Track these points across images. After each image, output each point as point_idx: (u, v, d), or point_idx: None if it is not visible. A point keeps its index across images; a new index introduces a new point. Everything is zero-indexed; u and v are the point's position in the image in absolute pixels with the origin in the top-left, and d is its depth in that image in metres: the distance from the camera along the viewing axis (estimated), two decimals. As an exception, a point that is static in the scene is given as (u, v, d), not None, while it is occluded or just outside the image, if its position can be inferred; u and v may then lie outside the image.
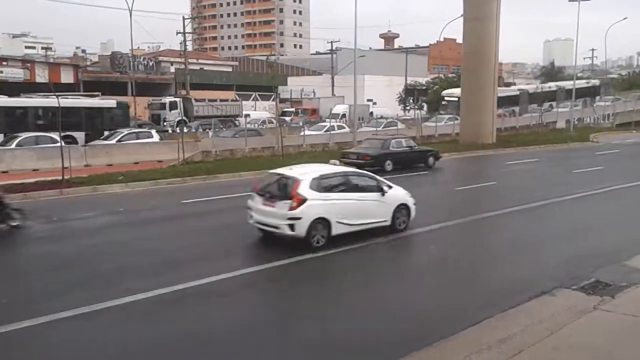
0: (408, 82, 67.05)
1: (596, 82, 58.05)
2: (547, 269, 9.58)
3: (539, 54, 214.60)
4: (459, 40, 41.46)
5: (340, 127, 35.45)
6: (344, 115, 49.49)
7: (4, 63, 44.91)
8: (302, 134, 32.27)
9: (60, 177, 17.86)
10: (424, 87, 63.54)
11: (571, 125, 42.38)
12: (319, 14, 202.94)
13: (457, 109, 38.61)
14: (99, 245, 11.27)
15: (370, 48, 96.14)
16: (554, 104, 50.44)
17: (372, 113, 56.67)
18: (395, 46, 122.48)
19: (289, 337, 6.96)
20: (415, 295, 8.54)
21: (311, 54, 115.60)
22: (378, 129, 35.24)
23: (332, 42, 70.43)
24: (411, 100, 60.43)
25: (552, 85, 54.18)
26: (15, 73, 43.67)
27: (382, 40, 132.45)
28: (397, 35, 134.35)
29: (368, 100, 63.18)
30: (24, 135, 23.98)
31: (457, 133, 35.68)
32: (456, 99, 40.52)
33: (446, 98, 47.03)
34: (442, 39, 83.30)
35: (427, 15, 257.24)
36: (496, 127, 34.34)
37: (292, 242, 10.44)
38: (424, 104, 58.29)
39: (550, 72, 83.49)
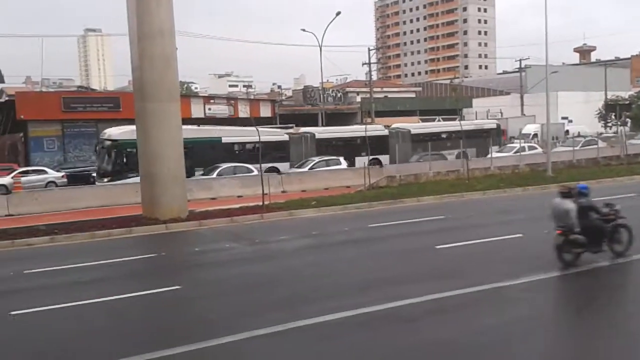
0: (608, 97, 61.39)
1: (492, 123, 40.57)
2: None
3: None
4: (669, 47, 36.82)
5: (531, 148, 33.62)
6: (535, 135, 47.05)
7: (212, 101, 50.50)
8: (489, 156, 31.24)
9: (260, 203, 19.47)
10: (627, 102, 57.63)
11: None
12: (505, 32, 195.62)
13: (121, 156, 25.73)
14: (295, 266, 12.03)
15: (563, 63, 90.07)
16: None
17: (567, 131, 53.00)
18: (592, 60, 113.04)
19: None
20: None
21: (498, 74, 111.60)
22: (575, 148, 32.78)
23: (520, 59, 67.36)
24: (612, 117, 55.22)
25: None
26: (221, 109, 48.87)
27: (577, 55, 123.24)
28: (593, 48, 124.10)
29: (562, 118, 59.16)
30: (224, 165, 26.72)
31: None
32: (116, 140, 26.30)
33: (106, 141, 27.25)
34: (647, 48, 74.92)
35: (625, 25, 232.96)
36: None
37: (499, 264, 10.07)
38: (627, 119, 52.87)
39: None
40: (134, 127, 29.61)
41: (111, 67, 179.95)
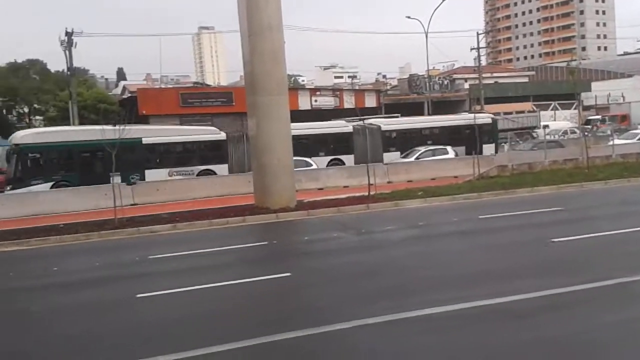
0: None
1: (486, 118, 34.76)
2: None
3: None
4: None
5: (659, 134, 31.06)
6: (663, 121, 43.58)
7: (318, 93, 51.35)
8: (610, 143, 29.25)
9: (366, 193, 19.59)
10: None
11: None
12: (625, 10, 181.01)
13: (23, 162, 23.53)
14: (401, 256, 12.01)
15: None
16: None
17: (701, 116, 48.57)
18: None
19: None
20: None
21: (618, 55, 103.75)
22: None
23: (645, 39, 62.21)
24: None
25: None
26: (326, 101, 49.58)
27: None
28: None
29: (695, 101, 54.07)
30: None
31: None
32: (17, 144, 24.26)
33: (11, 146, 25.47)
34: None
35: None
36: None
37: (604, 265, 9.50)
38: None
39: None
40: (38, 129, 29.80)
41: (224, 63, 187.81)
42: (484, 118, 34.69)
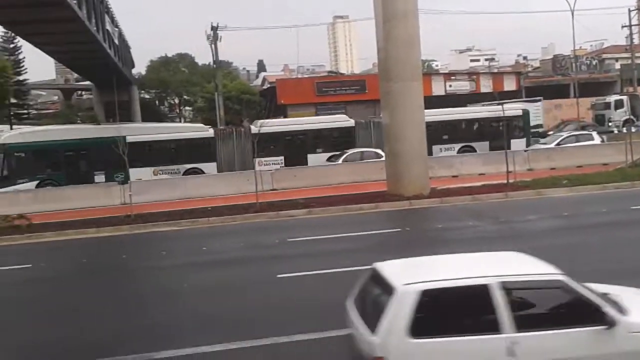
0: None
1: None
2: None
3: None
4: None
5: None
6: None
7: (452, 77, 50.07)
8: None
9: (504, 181, 18.82)
10: None
11: None
12: None
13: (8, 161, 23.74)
14: (546, 247, 11.11)
15: None
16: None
17: None
18: None
19: None
20: None
21: None
22: None
23: None
24: None
25: None
26: (462, 85, 48.22)
27: None
28: None
29: None
30: (351, 151, 25.89)
31: None
32: (3, 144, 24.33)
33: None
34: None
35: None
36: None
37: None
38: None
39: None
40: (24, 129, 30.24)
41: (357, 52, 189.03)
42: (513, 110, 30.75)
